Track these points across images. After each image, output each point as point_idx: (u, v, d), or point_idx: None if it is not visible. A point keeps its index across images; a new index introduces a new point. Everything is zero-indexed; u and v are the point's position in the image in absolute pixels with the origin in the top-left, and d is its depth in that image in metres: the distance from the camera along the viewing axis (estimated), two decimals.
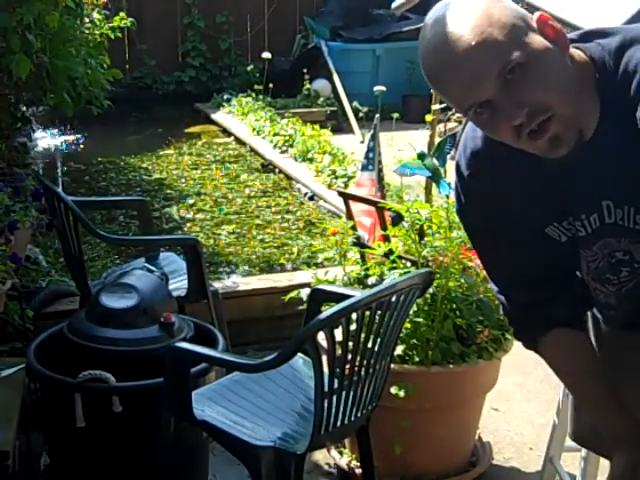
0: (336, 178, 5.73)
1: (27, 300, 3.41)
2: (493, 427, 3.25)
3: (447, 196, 3.06)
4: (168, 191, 6.03)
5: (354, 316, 2.11)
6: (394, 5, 4.28)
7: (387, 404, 2.51)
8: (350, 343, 2.12)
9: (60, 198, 3.10)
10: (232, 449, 2.25)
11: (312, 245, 4.84)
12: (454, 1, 1.42)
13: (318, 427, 2.14)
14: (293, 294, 2.97)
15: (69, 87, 4.48)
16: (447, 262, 2.78)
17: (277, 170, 6.42)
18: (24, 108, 4.94)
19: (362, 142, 6.99)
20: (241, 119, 7.71)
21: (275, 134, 6.93)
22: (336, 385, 2.14)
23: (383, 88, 5.06)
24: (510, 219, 1.65)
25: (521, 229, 1.65)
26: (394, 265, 2.86)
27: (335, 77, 8.44)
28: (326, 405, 2.13)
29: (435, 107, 3.65)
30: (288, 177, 6.23)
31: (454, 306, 2.77)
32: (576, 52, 1.48)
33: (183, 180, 6.31)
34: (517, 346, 2.04)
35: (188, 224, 5.31)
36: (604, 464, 1.90)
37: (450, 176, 2.03)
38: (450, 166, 2.17)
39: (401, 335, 2.54)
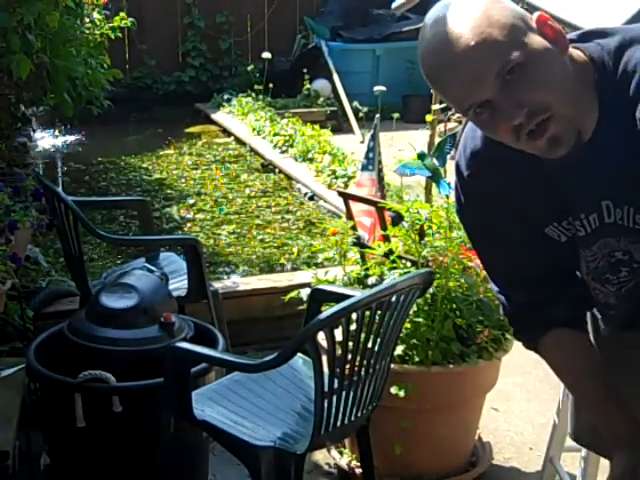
0: (336, 178, 5.73)
1: (27, 300, 3.41)
2: (493, 427, 3.25)
3: (447, 196, 3.06)
4: (168, 191, 6.04)
5: (354, 316, 2.11)
6: (394, 5, 4.28)
7: (387, 404, 2.51)
8: (350, 343, 2.12)
9: (60, 198, 3.10)
10: (232, 449, 2.25)
11: (312, 245, 4.84)
12: (454, 1, 1.42)
13: (318, 427, 2.14)
14: (293, 294, 2.97)
15: (69, 87, 4.48)
16: (447, 262, 2.78)
17: (277, 170, 6.42)
18: (24, 108, 4.93)
19: (362, 142, 6.99)
20: (241, 119, 7.71)
21: (275, 134, 6.93)
22: (336, 385, 2.14)
23: (383, 88, 5.06)
24: (510, 219, 1.65)
25: (521, 229, 1.65)
26: (394, 265, 2.87)
27: (335, 77, 8.44)
28: (326, 405, 2.13)
29: (435, 107, 3.65)
30: (288, 177, 6.23)
31: (454, 306, 2.77)
32: (575, 52, 1.48)
33: (183, 180, 6.32)
34: (517, 346, 2.04)
35: (188, 224, 5.32)
36: (604, 464, 1.90)
37: (450, 176, 2.03)
38: (450, 166, 2.17)
39: (401, 335, 2.54)
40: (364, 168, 3.59)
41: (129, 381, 2.49)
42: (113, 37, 5.35)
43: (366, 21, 9.23)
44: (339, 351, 2.13)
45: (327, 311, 2.09)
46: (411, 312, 2.59)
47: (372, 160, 3.56)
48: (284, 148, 6.67)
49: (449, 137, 3.34)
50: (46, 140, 7.58)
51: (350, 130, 7.77)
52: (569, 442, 2.10)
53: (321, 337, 2.13)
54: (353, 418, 2.26)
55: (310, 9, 9.63)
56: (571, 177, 1.52)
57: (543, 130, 1.42)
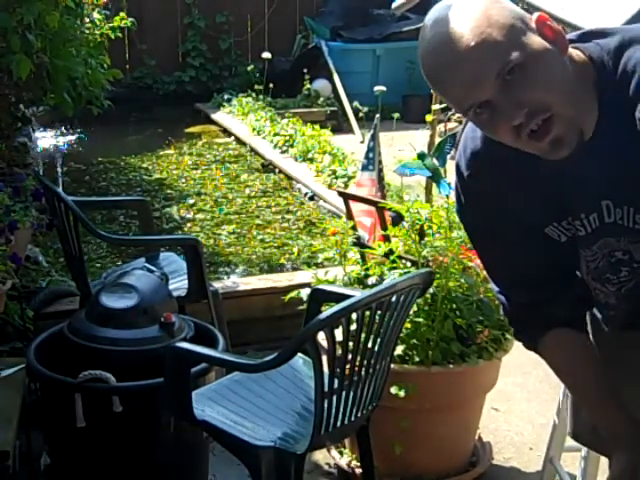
0: (336, 178, 5.73)
1: (27, 300, 3.41)
2: (493, 427, 3.25)
3: (447, 196, 3.06)
4: (168, 191, 6.04)
5: (354, 316, 2.11)
6: (394, 5, 4.28)
7: (387, 404, 2.51)
8: (350, 343, 2.12)
9: (60, 198, 3.10)
10: (232, 449, 2.25)
11: (312, 245, 4.84)
12: (454, 2, 1.43)
13: (318, 427, 2.14)
14: (293, 294, 2.97)
15: (69, 87, 4.48)
16: (447, 262, 2.78)
17: (277, 170, 6.42)
18: (24, 108, 4.93)
19: (362, 142, 6.99)
20: (241, 119, 7.71)
21: (275, 134, 6.93)
22: (336, 385, 2.14)
23: (383, 88, 5.06)
24: (510, 219, 1.65)
25: (521, 229, 1.65)
26: (394, 265, 2.87)
27: (335, 77, 8.44)
28: (326, 405, 2.13)
29: (435, 107, 3.65)
30: (288, 177, 6.23)
31: (454, 306, 2.77)
32: (575, 52, 1.48)
33: (183, 180, 6.32)
34: (517, 346, 2.04)
35: (188, 224, 5.32)
36: (604, 464, 1.90)
37: (450, 176, 2.04)
38: (450, 166, 2.18)
39: (401, 335, 2.54)
40: (364, 168, 3.59)
41: (129, 381, 2.49)
42: (113, 37, 5.34)
43: (366, 21, 9.24)
44: (339, 351, 2.13)
45: (327, 311, 2.09)
46: (411, 312, 2.59)
47: (372, 160, 3.56)
48: (284, 148, 6.67)
49: (449, 137, 3.35)
50: (46, 140, 7.58)
51: (350, 130, 7.77)
52: (569, 442, 2.10)
53: (321, 337, 2.13)
54: (353, 418, 2.26)
55: (310, 9, 9.63)
56: (571, 177, 1.53)
57: (546, 131, 1.42)
